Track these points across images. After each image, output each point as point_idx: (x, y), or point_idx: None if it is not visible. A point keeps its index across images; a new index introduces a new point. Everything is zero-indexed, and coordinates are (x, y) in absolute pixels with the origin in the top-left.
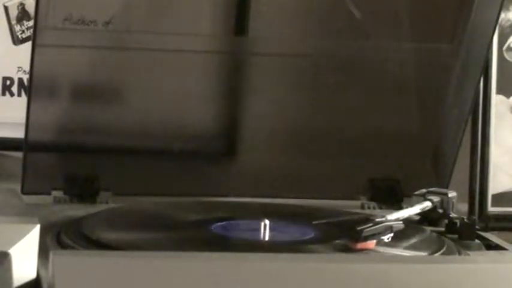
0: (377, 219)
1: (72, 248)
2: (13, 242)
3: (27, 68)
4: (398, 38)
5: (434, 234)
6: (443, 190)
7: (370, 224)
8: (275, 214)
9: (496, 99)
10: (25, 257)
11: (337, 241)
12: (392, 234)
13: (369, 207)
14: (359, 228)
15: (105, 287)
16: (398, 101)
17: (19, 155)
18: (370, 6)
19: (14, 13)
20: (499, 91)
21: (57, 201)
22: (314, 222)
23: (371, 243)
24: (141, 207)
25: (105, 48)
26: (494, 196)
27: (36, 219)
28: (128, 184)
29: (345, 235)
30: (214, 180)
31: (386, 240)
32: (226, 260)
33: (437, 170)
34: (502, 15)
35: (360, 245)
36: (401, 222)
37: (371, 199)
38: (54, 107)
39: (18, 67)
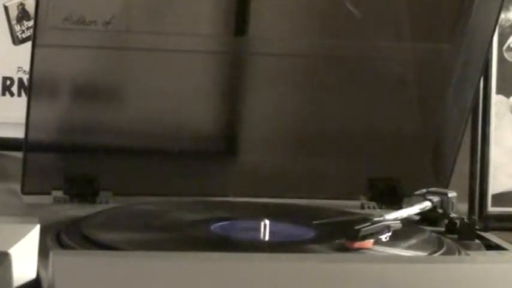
0: (375, 219)
1: (72, 248)
2: (13, 242)
3: (27, 68)
4: (398, 38)
5: (434, 234)
6: (443, 190)
7: (368, 224)
8: (275, 214)
9: (496, 99)
10: (25, 257)
11: (335, 241)
12: (390, 234)
13: (368, 207)
14: (356, 227)
15: (105, 287)
16: (398, 101)
17: (19, 155)
18: (370, 6)
19: (14, 13)
20: (499, 91)
21: (57, 201)
22: (314, 222)
23: (368, 243)
24: (141, 207)
25: (105, 48)
26: (494, 196)
27: (36, 219)
28: (128, 184)
29: (342, 234)
30: (214, 180)
31: (384, 240)
32: (226, 260)
33: (437, 170)
34: (502, 15)
35: (357, 244)
36: (399, 221)
37: (371, 199)
38: (54, 107)
39: (18, 67)
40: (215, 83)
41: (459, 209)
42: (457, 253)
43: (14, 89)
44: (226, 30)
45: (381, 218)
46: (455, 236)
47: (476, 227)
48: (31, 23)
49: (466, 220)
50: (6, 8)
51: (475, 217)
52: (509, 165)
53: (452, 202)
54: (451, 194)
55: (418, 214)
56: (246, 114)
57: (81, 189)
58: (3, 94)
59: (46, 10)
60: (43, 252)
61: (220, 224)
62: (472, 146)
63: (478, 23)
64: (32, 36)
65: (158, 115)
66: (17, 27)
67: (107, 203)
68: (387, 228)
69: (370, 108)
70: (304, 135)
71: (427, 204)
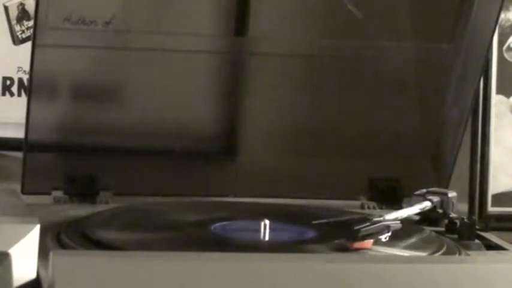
0: (375, 219)
1: (72, 248)
2: (13, 242)
3: (27, 68)
4: (398, 38)
5: (434, 234)
6: (443, 190)
7: (367, 224)
8: (275, 214)
9: (496, 99)
10: (25, 257)
11: (335, 241)
12: (389, 234)
13: (368, 207)
14: (356, 227)
15: (105, 287)
16: (398, 101)
17: (19, 155)
18: (370, 6)
19: (14, 13)
20: (499, 91)
21: (57, 201)
22: (313, 222)
23: (368, 243)
24: (141, 207)
25: (105, 48)
26: (494, 196)
27: (36, 219)
28: (128, 184)
29: (342, 235)
30: (214, 180)
31: (384, 240)
32: (226, 260)
33: (437, 170)
34: (502, 15)
35: (356, 245)
36: (399, 221)
37: (371, 199)
38: (54, 107)
39: (18, 67)
40: (215, 83)
41: (459, 209)
42: (457, 253)
43: (14, 89)
44: (226, 30)
45: (381, 218)
46: (455, 236)
47: (476, 227)
48: (31, 23)
49: (466, 220)
50: (6, 8)
51: (475, 217)
52: (509, 165)
53: (452, 202)
54: (451, 194)
55: (418, 214)
56: (246, 114)
57: (81, 189)
58: (3, 94)
59: (46, 10)
60: (43, 252)
61: (220, 224)
62: (472, 146)
63: (478, 23)
64: (32, 36)
65: (158, 115)
66: (17, 27)
67: (106, 203)
68: (387, 228)
69: (370, 108)
70: (304, 135)
71: (427, 204)
